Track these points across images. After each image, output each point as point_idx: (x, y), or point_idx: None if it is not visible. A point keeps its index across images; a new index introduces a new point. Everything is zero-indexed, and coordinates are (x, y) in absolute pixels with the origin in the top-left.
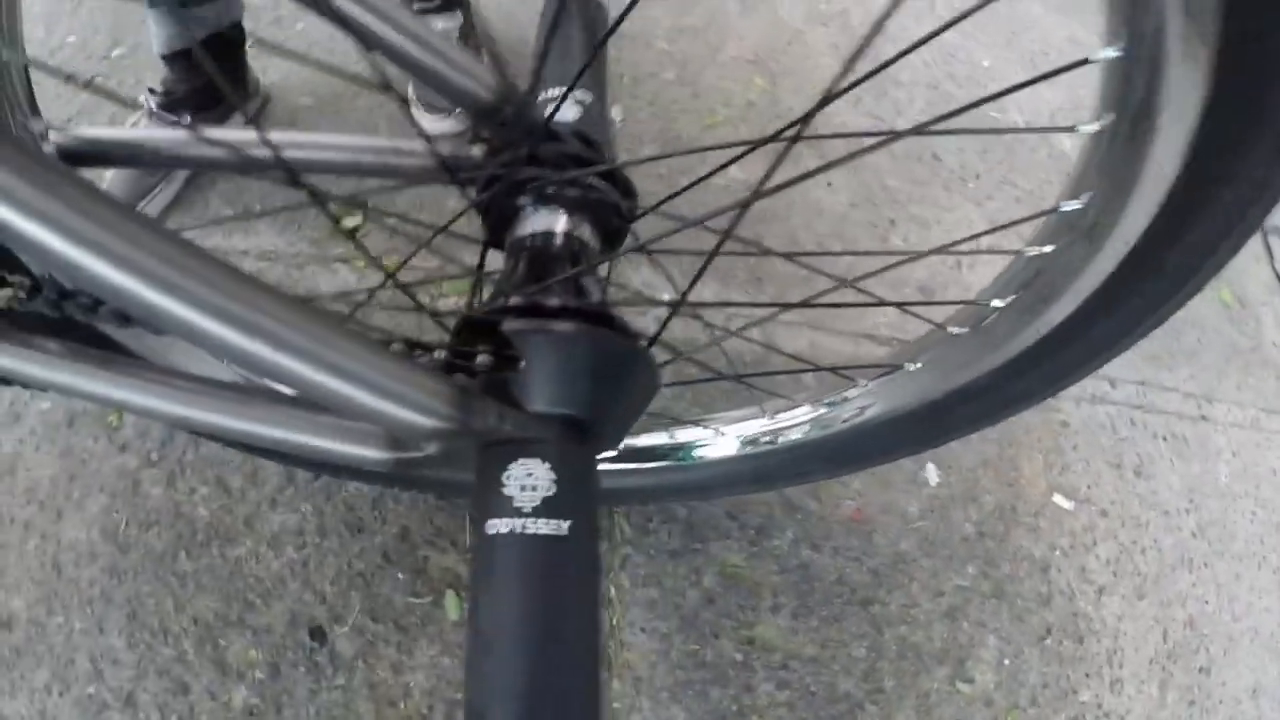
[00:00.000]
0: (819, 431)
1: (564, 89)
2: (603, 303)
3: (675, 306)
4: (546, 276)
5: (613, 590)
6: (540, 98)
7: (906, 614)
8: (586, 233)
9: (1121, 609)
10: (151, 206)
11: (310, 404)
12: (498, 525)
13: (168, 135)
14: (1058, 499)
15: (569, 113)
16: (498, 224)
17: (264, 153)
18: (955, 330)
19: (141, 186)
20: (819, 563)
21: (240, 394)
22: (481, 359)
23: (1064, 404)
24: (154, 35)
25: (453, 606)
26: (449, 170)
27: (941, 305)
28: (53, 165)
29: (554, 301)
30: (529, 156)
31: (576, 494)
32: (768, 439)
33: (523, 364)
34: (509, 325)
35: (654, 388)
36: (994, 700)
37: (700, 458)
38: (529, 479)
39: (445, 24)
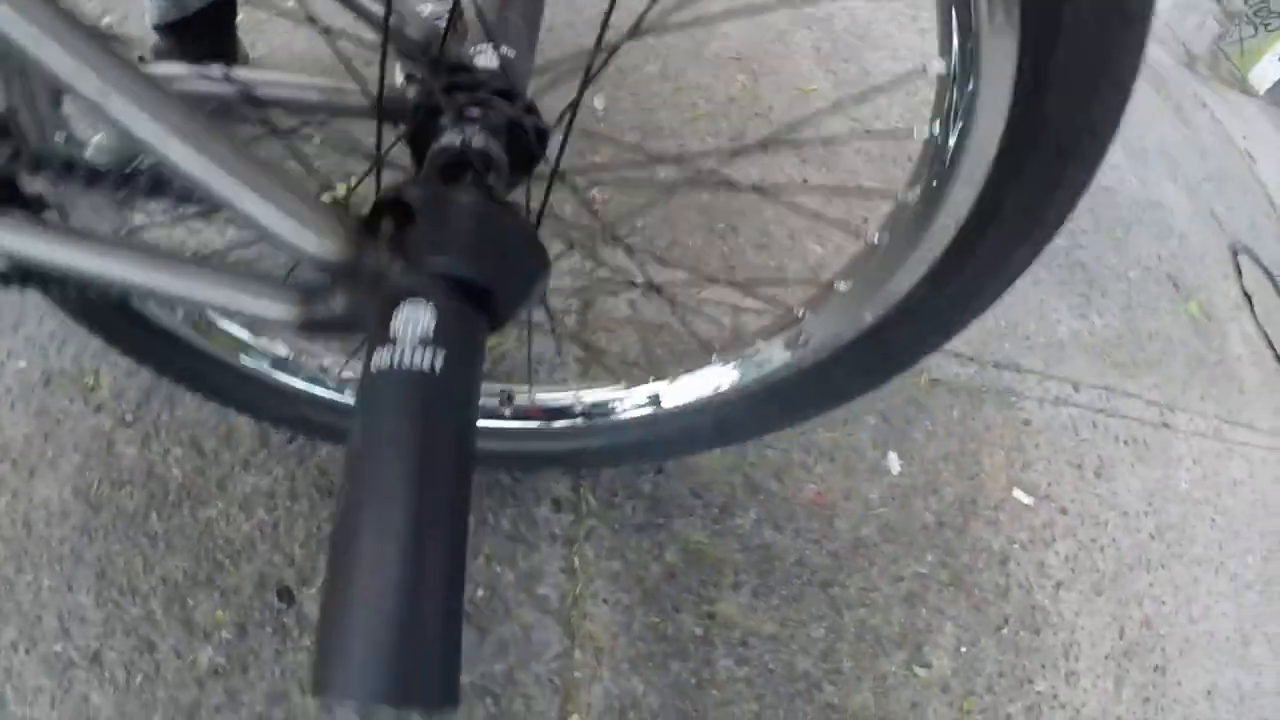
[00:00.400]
0: (759, 374)
1: (491, 43)
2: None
3: (553, 176)
4: (453, 175)
5: (576, 561)
6: (471, 51)
7: (865, 597)
8: (493, 147)
9: (1079, 604)
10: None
11: (219, 265)
12: (378, 360)
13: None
14: (1018, 494)
15: (492, 61)
16: (422, 148)
17: (227, 88)
18: (877, 239)
19: (127, 156)
20: (780, 543)
21: (156, 254)
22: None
23: (1027, 404)
24: (148, 5)
25: None
26: (377, 103)
27: (858, 195)
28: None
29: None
30: (447, 86)
31: (456, 342)
32: (714, 390)
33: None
34: (408, 191)
35: (543, 264)
36: (951, 686)
37: (650, 413)
38: (412, 321)
39: (435, 7)
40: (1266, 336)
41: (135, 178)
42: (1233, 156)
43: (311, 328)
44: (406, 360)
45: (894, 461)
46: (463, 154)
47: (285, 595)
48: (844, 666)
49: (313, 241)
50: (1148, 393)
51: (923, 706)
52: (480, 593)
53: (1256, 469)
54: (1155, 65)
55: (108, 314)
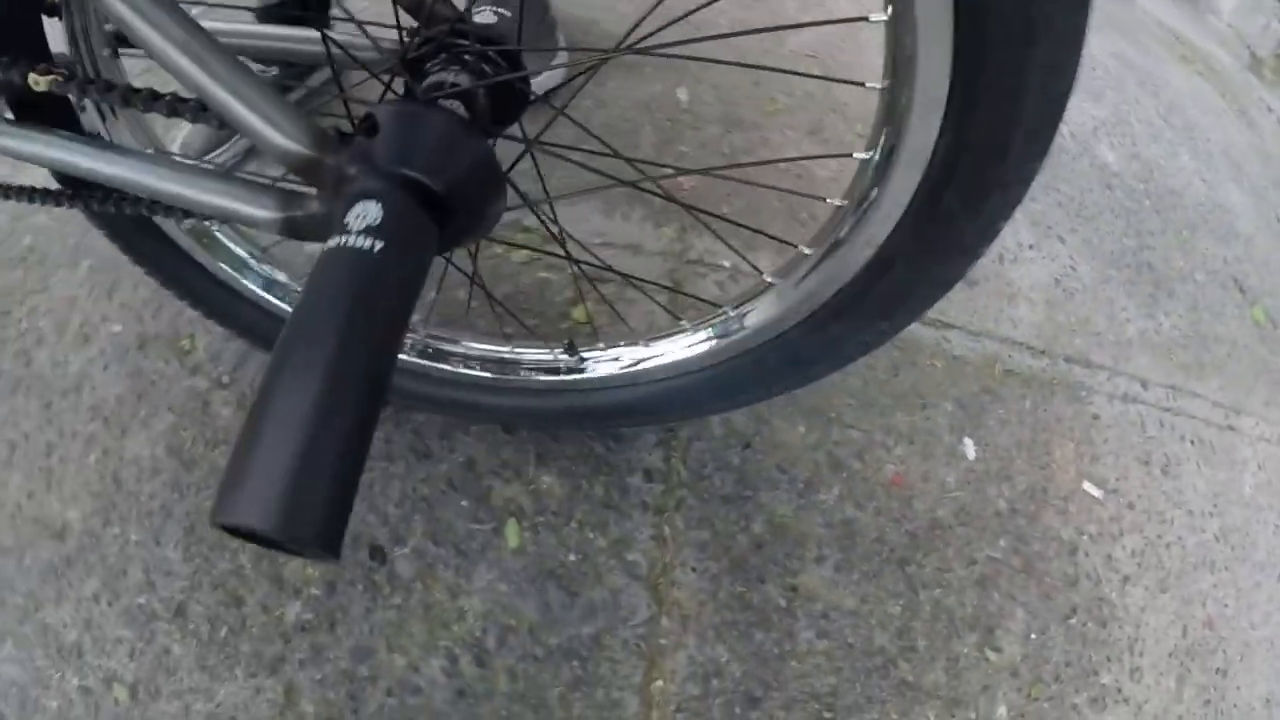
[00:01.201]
0: (815, 289)
1: (492, 7)
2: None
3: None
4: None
5: (667, 529)
6: (473, 9)
7: (941, 578)
8: (474, 87)
9: (1144, 600)
10: (225, 157)
11: (210, 172)
12: (329, 244)
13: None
14: (1087, 486)
15: (489, 18)
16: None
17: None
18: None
19: (215, 140)
20: (861, 520)
21: (159, 161)
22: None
23: (1096, 399)
24: None
25: (513, 535)
26: (379, 50)
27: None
28: None
29: None
30: (439, 35)
31: (399, 235)
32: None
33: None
34: (376, 108)
35: (497, 183)
36: (1020, 672)
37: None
38: (364, 213)
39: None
40: None
41: (165, 102)
42: None
43: (291, 229)
44: (350, 243)
45: (970, 447)
46: (440, 86)
47: (377, 554)
48: (919, 645)
49: (282, 141)
50: (1213, 395)
51: (993, 690)
52: (572, 557)
53: None
54: (1219, 68)
55: (135, 231)
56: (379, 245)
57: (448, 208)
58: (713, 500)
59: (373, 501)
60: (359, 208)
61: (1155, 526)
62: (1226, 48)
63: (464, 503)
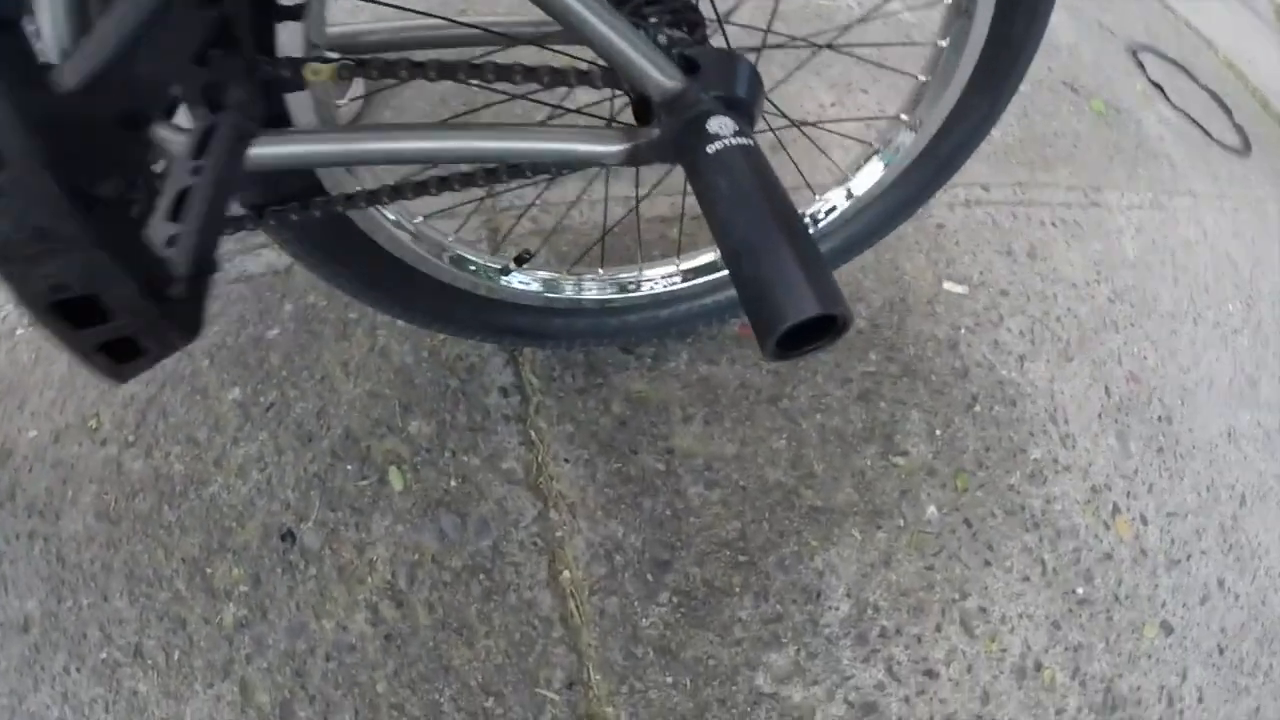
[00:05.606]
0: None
1: None
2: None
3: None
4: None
5: (532, 433)
6: None
7: (818, 403)
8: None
9: (1050, 372)
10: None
11: (548, 126)
12: (713, 147)
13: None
14: (949, 286)
15: None
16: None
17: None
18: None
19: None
20: (719, 374)
21: (498, 126)
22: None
23: (935, 211)
24: None
25: (396, 479)
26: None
27: None
28: None
29: None
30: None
31: (749, 129)
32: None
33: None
34: (692, 50)
35: (761, 82)
36: (936, 468)
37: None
38: (724, 124)
39: None
40: (1189, 116)
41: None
42: None
43: (633, 158)
44: (732, 142)
45: None
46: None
47: (287, 537)
48: (817, 470)
49: (660, 77)
50: (1065, 181)
51: (914, 492)
52: (453, 483)
53: (1209, 229)
54: None
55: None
56: (749, 141)
57: (751, 114)
58: (568, 395)
59: (273, 493)
60: (715, 121)
61: (1038, 305)
62: None
63: (349, 467)
